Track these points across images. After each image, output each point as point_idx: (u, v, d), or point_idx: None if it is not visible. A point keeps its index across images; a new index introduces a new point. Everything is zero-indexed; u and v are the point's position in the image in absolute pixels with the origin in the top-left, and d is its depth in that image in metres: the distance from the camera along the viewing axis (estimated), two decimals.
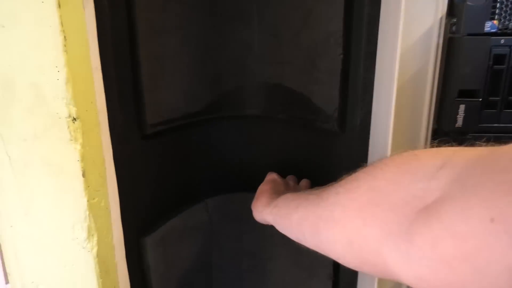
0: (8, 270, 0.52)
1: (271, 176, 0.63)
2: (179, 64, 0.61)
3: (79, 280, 0.50)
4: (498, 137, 0.39)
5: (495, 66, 0.37)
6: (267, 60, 0.64)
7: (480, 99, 0.37)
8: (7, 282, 0.53)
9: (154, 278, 0.62)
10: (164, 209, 0.64)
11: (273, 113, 0.65)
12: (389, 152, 0.44)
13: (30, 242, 0.48)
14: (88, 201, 0.46)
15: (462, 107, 0.37)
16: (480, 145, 0.24)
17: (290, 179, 0.64)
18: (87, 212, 0.46)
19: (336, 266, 0.62)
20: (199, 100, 0.64)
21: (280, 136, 0.67)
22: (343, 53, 0.53)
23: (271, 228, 0.70)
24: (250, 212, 0.70)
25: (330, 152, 0.61)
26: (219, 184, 0.70)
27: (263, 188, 0.60)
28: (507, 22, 0.35)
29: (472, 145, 0.25)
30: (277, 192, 0.57)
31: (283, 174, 0.68)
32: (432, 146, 0.40)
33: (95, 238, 0.48)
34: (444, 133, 0.38)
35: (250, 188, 0.70)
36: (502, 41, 0.35)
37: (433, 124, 0.40)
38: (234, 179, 0.70)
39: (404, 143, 0.43)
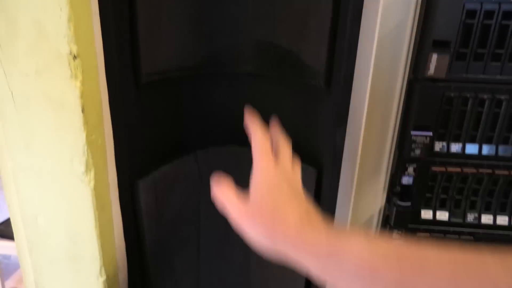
0: (8, 202, 0.55)
1: (264, 145, 0.43)
2: (175, 19, 0.63)
3: (76, 213, 0.53)
4: (464, 87, 0.43)
5: (467, 20, 0.41)
6: (260, 18, 0.66)
7: (451, 50, 0.41)
8: None
9: (146, 220, 0.66)
10: (156, 157, 0.67)
11: (264, 71, 0.68)
12: (366, 103, 0.47)
13: (31, 175, 0.52)
14: (86, 136, 0.49)
15: (434, 56, 0.41)
16: None
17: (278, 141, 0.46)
18: (86, 147, 0.50)
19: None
20: (193, 55, 0.67)
21: (270, 93, 0.70)
22: (333, 11, 0.56)
23: None
24: (237, 165, 0.74)
25: (316, 107, 0.64)
26: (209, 137, 0.73)
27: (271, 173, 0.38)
28: None
29: None
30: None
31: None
32: (407, 93, 0.43)
33: (92, 173, 0.52)
34: (417, 80, 0.42)
35: (238, 141, 0.74)
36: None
37: (409, 73, 0.43)
38: (223, 133, 0.73)
39: (381, 96, 0.47)
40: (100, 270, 0.57)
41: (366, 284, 0.28)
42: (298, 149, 0.70)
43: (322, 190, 0.66)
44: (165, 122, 0.69)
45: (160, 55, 0.63)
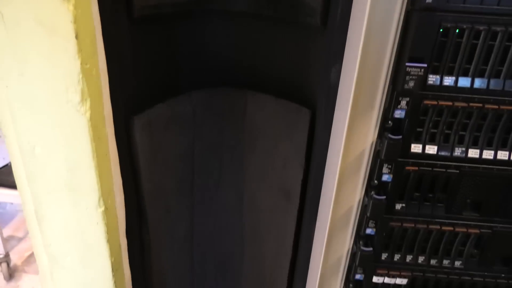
0: (5, 133, 0.55)
1: None
2: None
3: (73, 143, 0.54)
4: (461, 18, 0.43)
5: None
6: None
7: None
8: None
9: (141, 157, 0.67)
10: (151, 95, 0.67)
11: (259, 9, 0.67)
12: (362, 39, 0.47)
13: (26, 103, 0.51)
14: (81, 64, 0.49)
15: None
16: None
17: None
18: (80, 76, 0.49)
19: (308, 154, 0.68)
20: None
21: (266, 32, 0.69)
22: None
23: (250, 124, 0.75)
24: (232, 106, 0.75)
25: (311, 46, 0.64)
26: (204, 78, 0.73)
27: None
28: None
29: None
30: None
31: (265, 73, 0.71)
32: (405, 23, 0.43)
33: (88, 103, 0.52)
34: (415, 10, 0.42)
35: (233, 84, 0.73)
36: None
37: (407, 3, 0.43)
38: (218, 74, 0.73)
39: (377, 31, 0.46)
40: (99, 201, 0.59)
41: None
42: (293, 90, 0.70)
43: (315, 130, 0.67)
44: (160, 60, 0.68)
45: None
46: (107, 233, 0.62)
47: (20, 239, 2.05)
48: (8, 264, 1.76)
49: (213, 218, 0.84)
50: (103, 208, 0.60)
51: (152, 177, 0.71)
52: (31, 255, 1.90)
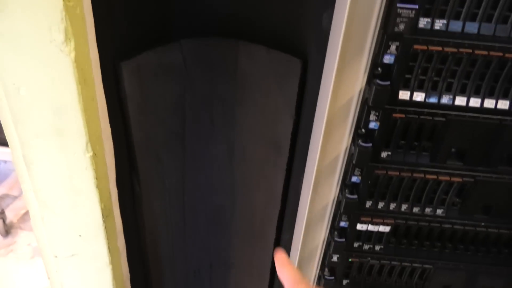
0: None
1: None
2: None
3: (59, 85, 0.53)
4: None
5: None
6: None
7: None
8: None
9: (131, 106, 0.67)
10: (140, 42, 0.66)
11: None
12: None
13: (8, 42, 0.50)
14: (63, 1, 0.47)
15: None
16: None
17: None
18: (64, 13, 0.48)
19: (299, 105, 0.68)
20: None
21: None
22: None
23: (241, 76, 0.75)
24: (223, 57, 0.73)
25: None
26: (195, 27, 0.71)
27: None
28: None
29: None
30: None
31: (257, 22, 0.70)
32: None
33: (72, 43, 0.50)
34: None
35: (225, 34, 0.72)
36: None
37: None
38: (209, 24, 0.71)
39: None
40: (87, 145, 0.59)
41: None
42: (285, 40, 0.69)
43: (306, 80, 0.66)
44: (148, 5, 0.66)
45: None
46: (96, 179, 0.63)
47: (15, 198, 2.07)
48: (4, 221, 1.79)
49: (204, 170, 0.84)
50: (91, 154, 0.60)
51: (142, 126, 0.71)
52: (27, 213, 1.93)
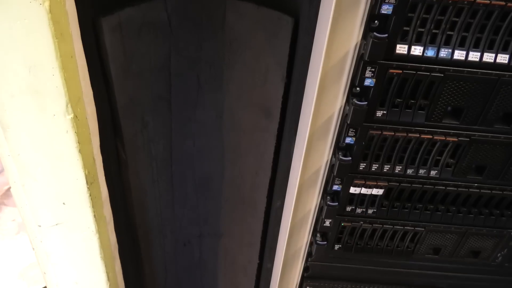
0: None
1: None
2: None
3: (33, 39, 0.49)
4: None
5: None
6: None
7: None
8: None
9: (113, 66, 0.63)
10: None
11: None
12: None
13: None
14: None
15: None
16: None
17: None
18: None
19: (290, 67, 0.65)
20: None
21: None
22: None
23: (229, 35, 0.71)
24: (210, 15, 0.69)
25: None
26: None
27: None
28: None
29: None
30: None
31: None
32: None
33: None
34: None
35: None
36: None
37: None
38: None
39: None
40: (67, 107, 0.55)
41: None
42: None
43: (298, 40, 0.63)
44: None
45: None
46: (79, 143, 0.59)
47: None
48: None
49: (191, 136, 0.82)
50: (72, 116, 0.57)
51: (127, 89, 0.68)
52: (9, 189, 1.89)
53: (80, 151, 0.60)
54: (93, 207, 0.67)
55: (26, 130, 0.57)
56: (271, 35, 0.66)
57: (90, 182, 0.65)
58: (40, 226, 0.69)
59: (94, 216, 0.68)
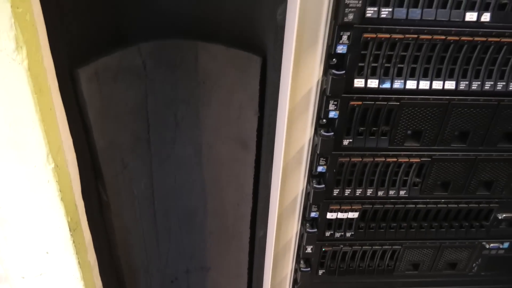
0: None
1: None
2: None
3: (13, 96, 0.51)
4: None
5: None
6: None
7: None
8: None
9: (91, 112, 0.65)
10: (96, 47, 0.65)
11: None
12: None
13: None
14: (12, 8, 0.46)
15: None
16: None
17: None
18: (13, 20, 0.46)
19: (262, 101, 0.69)
20: None
21: None
22: None
23: (203, 75, 0.75)
24: (183, 58, 0.73)
25: None
26: (153, 29, 0.71)
27: None
28: None
29: None
30: None
31: (215, 22, 0.70)
32: None
33: (24, 51, 0.49)
34: None
35: (183, 35, 0.72)
36: None
37: None
38: (168, 25, 0.71)
39: None
40: (47, 157, 0.57)
41: None
42: (244, 38, 0.70)
43: (267, 76, 0.68)
44: (105, 10, 0.65)
45: None
46: (60, 192, 0.61)
47: None
48: None
49: (172, 173, 0.84)
50: (53, 165, 0.58)
51: (105, 133, 0.70)
52: None
53: (61, 199, 0.61)
54: (77, 253, 0.68)
55: (7, 183, 0.58)
56: (242, 73, 0.70)
57: (73, 228, 0.65)
58: (23, 277, 0.69)
59: (79, 262, 0.68)
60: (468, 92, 0.54)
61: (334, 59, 0.52)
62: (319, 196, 0.61)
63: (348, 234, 0.67)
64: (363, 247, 0.68)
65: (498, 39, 0.50)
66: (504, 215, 0.66)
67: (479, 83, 0.53)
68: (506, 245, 0.69)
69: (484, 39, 0.50)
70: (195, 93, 0.76)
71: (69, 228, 0.65)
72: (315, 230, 0.65)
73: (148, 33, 0.71)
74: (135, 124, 0.75)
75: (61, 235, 0.65)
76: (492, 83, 0.53)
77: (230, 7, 0.69)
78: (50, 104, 0.56)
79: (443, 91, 0.54)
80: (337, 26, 0.49)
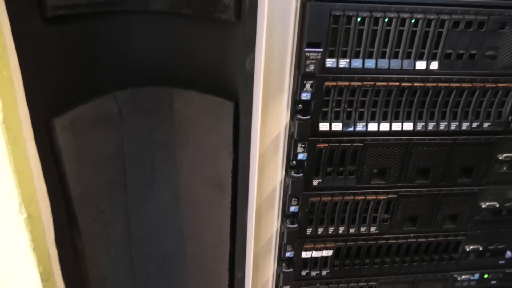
0: None
1: None
2: None
3: None
4: (348, 7, 0.49)
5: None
6: None
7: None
8: None
9: (67, 161, 0.66)
10: (73, 96, 0.66)
11: (177, 8, 0.69)
12: (265, 30, 0.52)
13: None
14: None
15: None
16: None
17: None
18: None
19: (235, 144, 0.72)
20: None
21: (186, 30, 0.72)
22: None
23: (178, 119, 0.77)
24: (159, 104, 0.76)
25: (229, 40, 0.68)
26: (128, 77, 0.73)
27: None
28: None
29: None
30: None
31: (189, 68, 0.74)
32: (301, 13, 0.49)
33: (0, 105, 0.50)
34: (309, 0, 0.48)
35: (159, 82, 0.75)
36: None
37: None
38: (143, 73, 0.74)
39: (279, 21, 0.51)
40: (20, 207, 0.57)
41: None
42: (217, 84, 0.73)
43: (240, 120, 0.70)
44: (80, 60, 0.68)
45: None
46: (32, 242, 0.60)
47: None
48: None
49: (149, 217, 0.84)
50: (25, 215, 0.58)
51: (81, 180, 0.70)
52: None
53: (33, 249, 0.60)
54: None
55: None
56: (216, 118, 0.73)
57: (45, 279, 0.64)
58: None
59: None
60: (425, 132, 0.58)
61: (299, 105, 0.55)
62: (293, 235, 0.63)
63: (324, 273, 0.68)
64: (340, 285, 0.69)
65: (447, 84, 0.55)
66: (471, 247, 0.68)
67: (434, 123, 0.58)
68: (476, 276, 0.71)
69: (434, 84, 0.55)
70: (171, 137, 0.78)
71: (41, 279, 0.63)
72: (291, 269, 0.66)
73: (124, 81, 0.73)
74: (111, 169, 0.76)
75: (33, 285, 0.63)
76: (446, 123, 0.58)
77: (203, 56, 0.73)
78: (24, 155, 0.57)
79: (403, 132, 0.57)
80: (300, 75, 0.53)
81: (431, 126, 0.58)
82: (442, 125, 0.58)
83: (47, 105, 0.62)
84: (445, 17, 0.50)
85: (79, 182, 0.70)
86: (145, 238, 0.85)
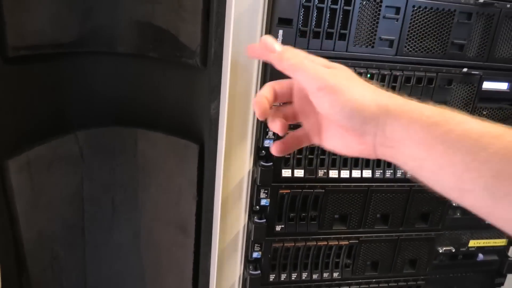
0: None
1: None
2: None
3: None
4: None
5: (305, 3, 0.50)
6: None
7: (294, 27, 0.50)
8: None
9: (19, 203, 0.63)
10: (30, 136, 0.64)
11: (144, 51, 0.70)
12: (228, 77, 0.53)
13: None
14: None
15: (280, 32, 0.49)
16: None
17: None
18: None
19: (200, 187, 0.71)
20: (69, 31, 0.66)
21: (152, 72, 0.72)
22: None
23: (142, 160, 0.76)
24: (122, 145, 0.75)
25: (195, 85, 0.69)
26: (90, 118, 0.72)
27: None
28: None
29: None
30: None
31: (155, 110, 0.74)
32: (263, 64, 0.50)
33: None
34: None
35: (123, 122, 0.74)
36: None
37: None
38: (107, 114, 0.73)
39: (243, 70, 0.53)
40: None
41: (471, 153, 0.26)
42: (182, 126, 0.73)
43: (204, 163, 0.70)
44: (39, 100, 0.66)
45: (29, 26, 0.60)
46: None
47: None
48: None
49: (108, 262, 0.80)
50: None
51: (34, 223, 0.66)
52: None
53: None
54: None
55: None
56: (181, 159, 0.72)
57: None
58: None
59: None
60: (383, 179, 0.60)
61: (262, 151, 0.56)
62: (255, 282, 0.61)
63: None
64: None
65: None
66: None
67: (391, 171, 0.60)
68: None
69: None
70: (134, 178, 0.76)
71: None
72: None
73: (88, 120, 0.72)
74: (68, 211, 0.73)
75: None
76: (402, 171, 0.60)
77: (170, 98, 0.73)
78: None
79: (362, 179, 0.59)
80: (263, 122, 0.54)
81: (388, 173, 0.60)
82: (399, 173, 0.60)
83: (2, 146, 0.60)
84: (398, 73, 0.54)
85: (33, 226, 0.66)
86: (103, 285, 0.81)
